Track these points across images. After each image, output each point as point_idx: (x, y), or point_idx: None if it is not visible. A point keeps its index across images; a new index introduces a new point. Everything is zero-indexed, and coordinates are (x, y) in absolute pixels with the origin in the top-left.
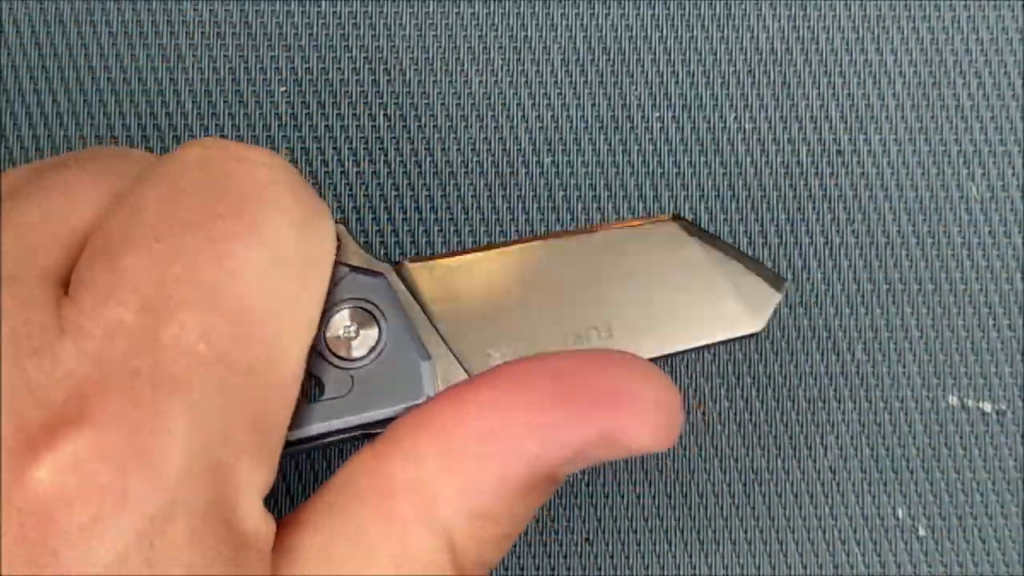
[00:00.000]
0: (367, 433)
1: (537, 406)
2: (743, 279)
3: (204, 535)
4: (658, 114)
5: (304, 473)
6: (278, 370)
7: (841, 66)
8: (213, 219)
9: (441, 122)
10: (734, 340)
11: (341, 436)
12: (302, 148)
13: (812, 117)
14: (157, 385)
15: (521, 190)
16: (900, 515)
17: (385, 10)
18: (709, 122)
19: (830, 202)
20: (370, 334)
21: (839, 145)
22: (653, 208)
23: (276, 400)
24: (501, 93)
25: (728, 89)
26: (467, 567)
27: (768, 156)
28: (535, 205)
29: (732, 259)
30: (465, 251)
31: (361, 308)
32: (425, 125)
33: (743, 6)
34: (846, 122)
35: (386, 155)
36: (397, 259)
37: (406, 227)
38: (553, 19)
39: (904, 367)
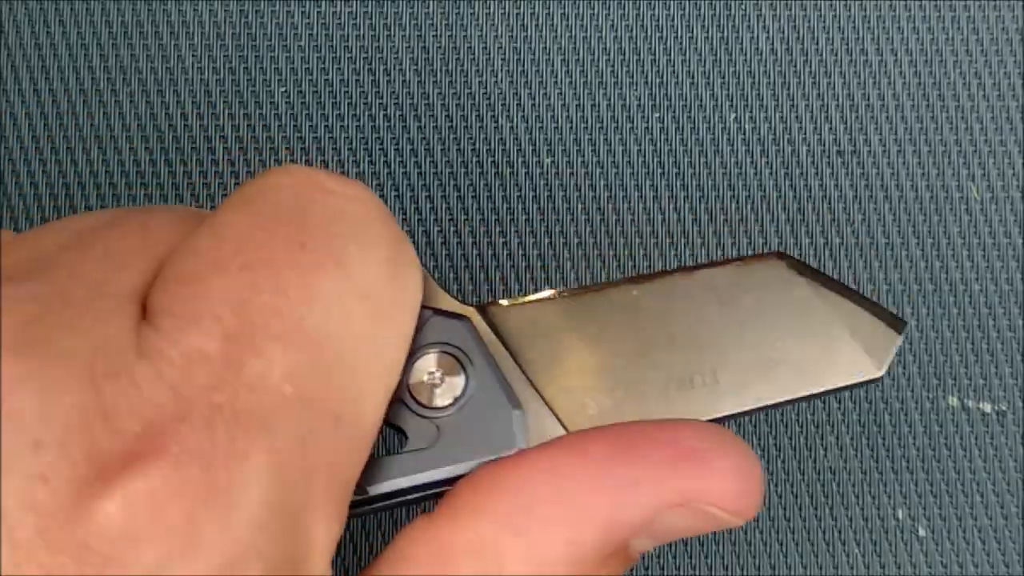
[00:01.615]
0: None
1: (608, 464)
2: (860, 321)
3: None
4: (658, 114)
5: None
6: (361, 420)
7: (841, 66)
8: (300, 248)
9: (441, 122)
10: (852, 387)
11: (425, 492)
12: (302, 148)
13: (812, 117)
14: (238, 424)
15: (521, 190)
16: (900, 515)
17: (385, 10)
18: (709, 122)
19: (830, 202)
20: (456, 381)
21: (839, 145)
22: (654, 209)
23: (355, 451)
24: (501, 93)
25: (728, 89)
26: None
27: (768, 156)
28: (535, 205)
29: (847, 299)
30: (558, 292)
31: (446, 353)
32: (425, 125)
33: (743, 6)
34: (846, 122)
35: (386, 155)
36: (479, 300)
37: (406, 228)
38: (553, 19)
39: (904, 367)
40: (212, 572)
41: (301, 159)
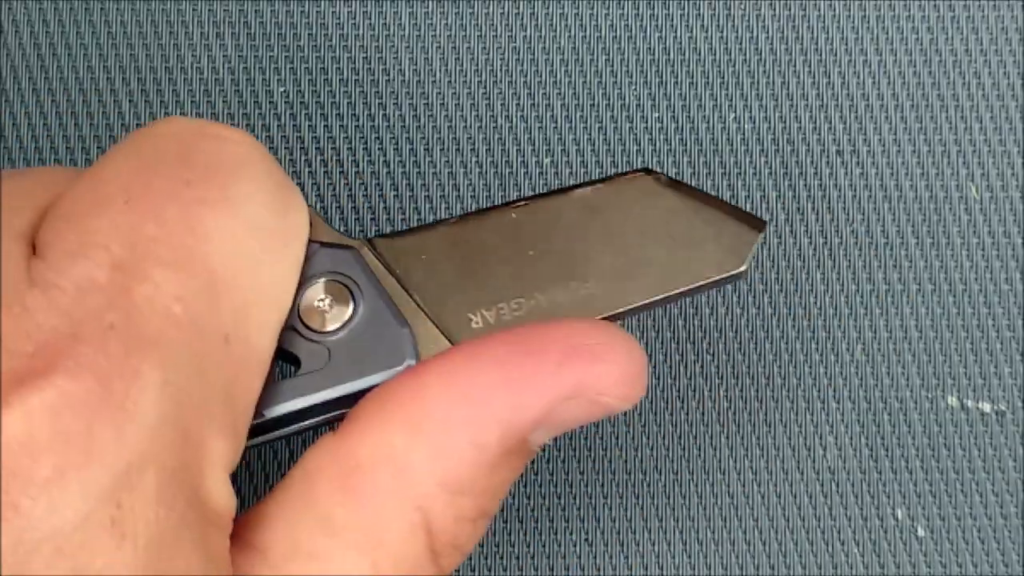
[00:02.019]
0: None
1: (505, 364)
2: (722, 223)
3: (171, 497)
4: (658, 114)
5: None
6: (252, 341)
7: (841, 66)
8: (184, 185)
9: (441, 122)
10: (719, 283)
11: (322, 416)
12: (302, 148)
13: (812, 117)
14: (131, 340)
15: (521, 190)
16: (900, 515)
17: (385, 10)
18: (709, 122)
19: (830, 202)
20: (344, 307)
21: (839, 145)
22: None
23: (248, 373)
24: (501, 93)
25: (728, 89)
26: (443, 552)
27: (768, 156)
28: None
29: (709, 205)
30: (438, 222)
31: (334, 281)
32: (425, 125)
33: (743, 6)
34: (846, 122)
35: (385, 155)
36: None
37: (406, 228)
38: (553, 19)
39: (904, 367)
40: (108, 479)
41: (301, 159)
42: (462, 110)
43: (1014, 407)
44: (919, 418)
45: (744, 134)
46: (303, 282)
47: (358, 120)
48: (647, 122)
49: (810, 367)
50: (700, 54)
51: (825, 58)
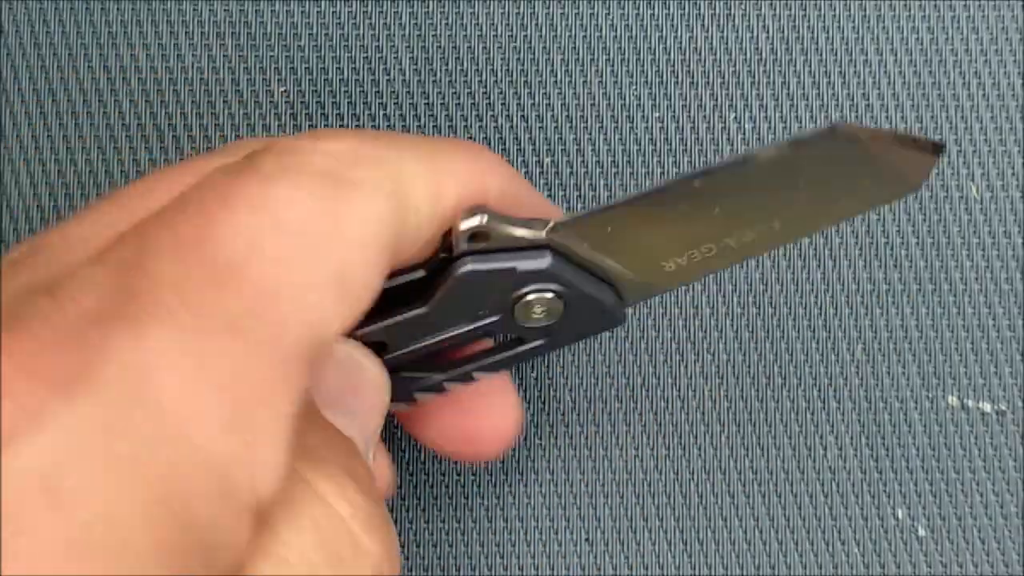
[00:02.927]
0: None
1: None
2: (900, 152)
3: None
4: (658, 114)
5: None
6: (280, 338)
7: (841, 66)
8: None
9: (441, 122)
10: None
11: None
12: None
13: (812, 117)
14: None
15: None
16: (900, 515)
17: (385, 10)
18: (709, 122)
19: None
20: (556, 306)
21: None
22: None
23: (270, 366)
24: (501, 93)
25: (728, 89)
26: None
27: None
28: None
29: (886, 139)
30: (618, 201)
31: (543, 293)
32: (425, 125)
33: (743, 6)
34: (846, 122)
35: None
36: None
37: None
38: (553, 19)
39: (904, 367)
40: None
41: None
42: (462, 110)
43: (1014, 407)
44: (919, 418)
45: (744, 134)
46: (515, 300)
47: (358, 120)
48: (647, 122)
49: (810, 367)
50: (700, 54)
51: (825, 58)
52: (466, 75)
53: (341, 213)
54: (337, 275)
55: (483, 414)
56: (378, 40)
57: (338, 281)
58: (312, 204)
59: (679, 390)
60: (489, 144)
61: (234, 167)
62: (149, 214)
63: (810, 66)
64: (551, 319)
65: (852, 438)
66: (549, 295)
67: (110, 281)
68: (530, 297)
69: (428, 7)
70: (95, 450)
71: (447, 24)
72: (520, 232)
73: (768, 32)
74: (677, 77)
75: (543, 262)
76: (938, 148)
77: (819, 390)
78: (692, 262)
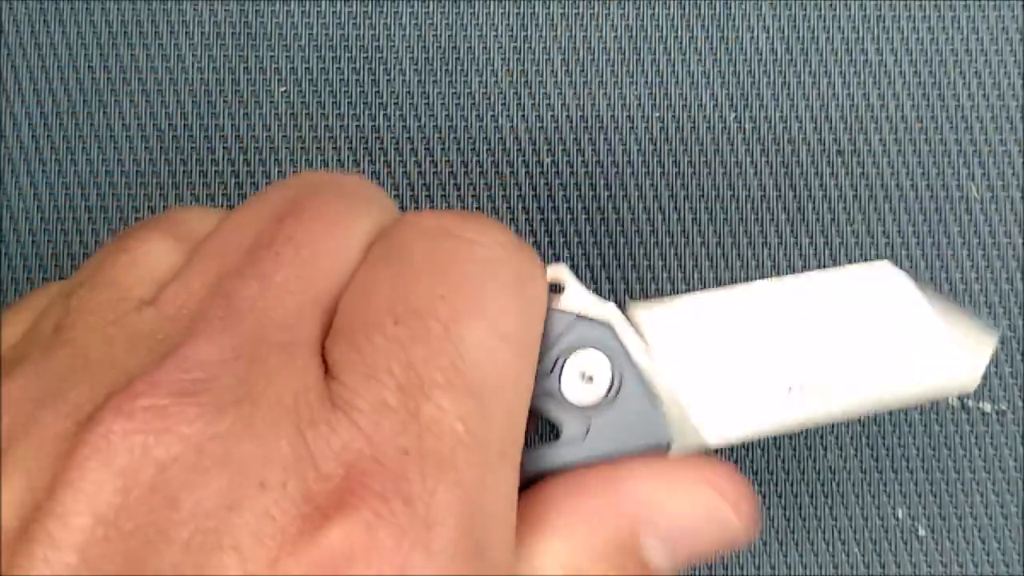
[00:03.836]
0: None
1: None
2: (958, 322)
3: None
4: (658, 114)
5: None
6: (518, 447)
7: (841, 66)
8: (440, 300)
9: (441, 122)
10: (942, 394)
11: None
12: (302, 148)
13: (812, 117)
14: (426, 464)
15: (521, 190)
16: (900, 515)
17: (385, 10)
18: (709, 122)
19: (830, 202)
20: (602, 380)
21: (839, 145)
22: (654, 209)
23: (515, 479)
24: (501, 93)
25: (728, 89)
26: None
27: (768, 156)
28: (535, 205)
29: (948, 302)
30: (689, 294)
31: (592, 354)
32: (425, 125)
33: (743, 6)
34: (846, 122)
35: (386, 155)
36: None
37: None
38: (553, 19)
39: None
40: None
41: (301, 159)
42: (462, 110)
43: (1014, 407)
44: (919, 418)
45: (744, 134)
46: (562, 353)
47: (358, 120)
48: (647, 122)
49: None
50: (700, 54)
51: (825, 58)
52: (466, 75)
53: (533, 316)
54: None
55: None
56: (378, 40)
57: None
58: (517, 312)
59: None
60: (489, 144)
61: (429, 252)
62: (346, 277)
63: (810, 66)
64: (592, 396)
65: (852, 438)
66: (598, 360)
67: (406, 419)
68: (579, 354)
69: (428, 7)
70: None
71: (447, 24)
72: (587, 296)
73: (768, 32)
74: (677, 77)
75: (605, 328)
76: (993, 340)
77: None
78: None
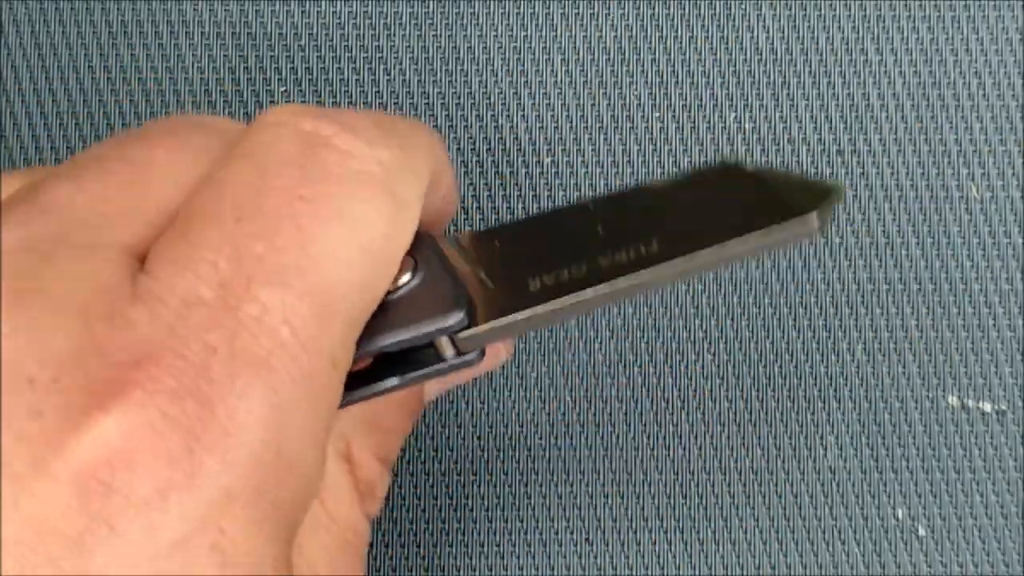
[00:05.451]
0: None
1: None
2: (794, 188)
3: (272, 526)
4: (658, 114)
5: None
6: (348, 360)
7: (841, 66)
8: (299, 200)
9: (441, 122)
10: (783, 240)
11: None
12: None
13: (812, 117)
14: (236, 363)
15: (521, 190)
16: (900, 515)
17: (385, 10)
18: (709, 122)
19: None
20: (405, 272)
21: (839, 145)
22: None
23: (340, 389)
24: (501, 93)
25: (728, 89)
26: None
27: (768, 156)
28: (535, 205)
29: (781, 177)
30: (518, 220)
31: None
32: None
33: (743, 6)
34: (846, 122)
35: None
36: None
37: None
38: (553, 19)
39: (904, 367)
40: (209, 503)
41: None
42: (462, 110)
43: (1014, 407)
44: (919, 418)
45: (744, 134)
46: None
47: None
48: (647, 122)
49: (810, 367)
50: (700, 54)
51: (825, 58)
52: (466, 75)
53: (399, 238)
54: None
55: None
56: (378, 40)
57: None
58: (383, 229)
59: (679, 390)
60: (489, 144)
61: (296, 156)
62: (182, 191)
63: (810, 66)
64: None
65: (852, 438)
66: (407, 257)
67: (221, 315)
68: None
69: (428, 7)
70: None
71: (447, 24)
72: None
73: (768, 32)
74: (677, 77)
75: (423, 235)
76: (831, 193)
77: (819, 390)
78: (558, 281)
